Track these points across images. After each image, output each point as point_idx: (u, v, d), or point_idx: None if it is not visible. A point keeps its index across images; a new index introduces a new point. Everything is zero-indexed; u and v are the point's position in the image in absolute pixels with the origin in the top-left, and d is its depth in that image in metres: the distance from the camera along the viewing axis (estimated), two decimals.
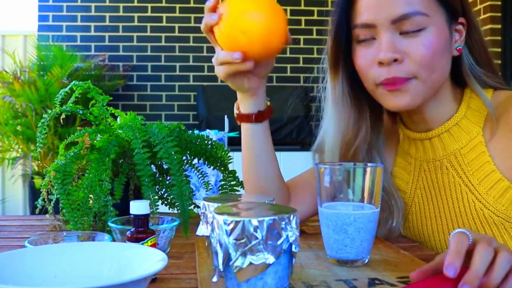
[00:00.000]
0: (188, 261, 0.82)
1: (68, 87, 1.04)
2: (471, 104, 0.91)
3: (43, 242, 0.75)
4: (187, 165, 1.08)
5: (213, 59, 0.87)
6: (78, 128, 1.04)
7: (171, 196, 1.02)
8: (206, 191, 1.12)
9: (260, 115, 0.94)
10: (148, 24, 3.96)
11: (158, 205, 0.95)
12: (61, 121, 1.01)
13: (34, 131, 3.27)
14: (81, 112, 1.06)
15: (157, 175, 1.06)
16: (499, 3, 3.62)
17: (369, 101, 0.95)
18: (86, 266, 0.62)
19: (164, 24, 3.96)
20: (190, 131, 1.09)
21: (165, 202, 1.06)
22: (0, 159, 3.56)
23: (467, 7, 0.90)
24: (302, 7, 4.05)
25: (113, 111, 1.08)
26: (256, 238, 0.52)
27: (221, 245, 0.54)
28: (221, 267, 0.54)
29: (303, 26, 4.02)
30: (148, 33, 3.96)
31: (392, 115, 1.03)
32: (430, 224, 0.97)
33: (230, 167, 1.12)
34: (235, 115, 0.96)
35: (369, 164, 0.77)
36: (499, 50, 3.49)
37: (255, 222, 0.52)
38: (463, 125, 0.91)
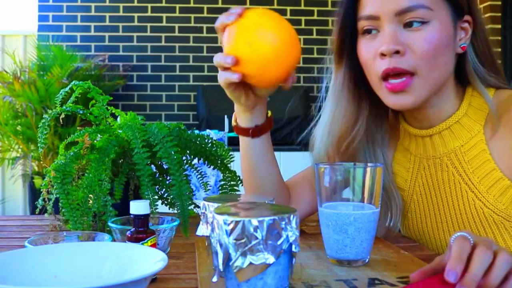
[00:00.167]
0: (188, 261, 0.82)
1: (68, 87, 1.04)
2: (472, 102, 0.91)
3: (43, 242, 0.75)
4: (187, 165, 1.08)
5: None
6: (78, 128, 1.04)
7: (171, 196, 1.02)
8: (205, 191, 1.12)
9: (257, 130, 0.93)
10: (148, 24, 3.96)
11: (157, 205, 0.95)
12: (61, 120, 1.01)
13: (34, 131, 3.27)
14: (81, 112, 1.06)
15: (157, 175, 1.06)
16: (499, 3, 3.62)
17: (371, 97, 0.95)
18: (86, 266, 0.62)
19: (164, 24, 3.96)
20: (190, 131, 1.09)
21: (165, 202, 1.06)
22: (0, 159, 3.56)
23: (473, 6, 0.90)
24: (302, 7, 4.05)
25: (113, 111, 1.08)
26: (256, 238, 0.52)
27: (221, 245, 0.54)
28: (221, 267, 0.54)
29: (303, 26, 4.02)
30: (148, 33, 3.96)
31: (393, 110, 1.02)
32: (429, 222, 0.97)
33: (231, 166, 1.11)
34: (232, 125, 0.95)
35: (369, 164, 0.77)
36: (499, 50, 3.50)
37: (255, 222, 0.52)
38: (464, 123, 0.91)
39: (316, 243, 0.87)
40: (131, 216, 0.72)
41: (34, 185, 3.37)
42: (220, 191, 1.09)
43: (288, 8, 3.99)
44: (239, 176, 1.09)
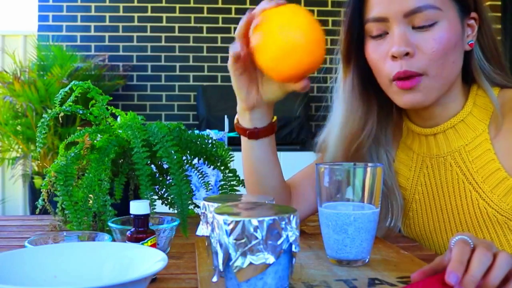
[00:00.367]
0: (188, 261, 0.82)
1: (68, 87, 1.04)
2: (477, 101, 0.91)
3: (43, 242, 0.75)
4: (187, 165, 1.08)
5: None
6: (78, 128, 1.04)
7: (171, 196, 1.02)
8: (206, 191, 1.12)
9: (255, 132, 0.91)
10: (148, 24, 3.96)
11: (155, 205, 0.94)
12: (60, 120, 1.01)
13: (34, 131, 3.27)
14: (81, 112, 1.06)
15: (157, 175, 1.06)
16: (499, 3, 3.62)
17: (379, 98, 0.94)
18: (86, 266, 0.62)
19: (164, 24, 3.96)
20: (190, 131, 1.09)
21: (165, 202, 1.06)
22: (0, 159, 3.56)
23: (479, 2, 0.90)
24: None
25: (113, 111, 1.08)
26: (256, 238, 0.52)
27: (221, 245, 0.54)
28: (221, 267, 0.54)
29: None
30: (148, 33, 3.96)
31: (398, 109, 1.01)
32: (431, 221, 0.97)
33: (231, 166, 1.11)
34: (234, 122, 0.94)
35: (369, 164, 0.77)
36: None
37: (255, 222, 0.52)
38: (468, 122, 0.91)
39: (316, 243, 0.87)
40: (131, 216, 0.72)
41: (34, 185, 3.37)
42: (220, 191, 1.09)
43: None
44: (239, 176, 1.09)
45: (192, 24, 3.96)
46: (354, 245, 0.73)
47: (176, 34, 3.97)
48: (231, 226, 0.53)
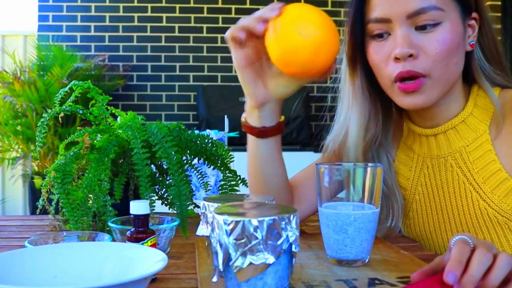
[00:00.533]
0: (188, 261, 0.82)
1: (68, 87, 1.04)
2: (478, 101, 0.91)
3: (43, 242, 0.75)
4: (187, 165, 1.08)
5: (227, 32, 0.83)
6: (78, 128, 1.04)
7: (171, 196, 1.02)
8: (206, 191, 1.12)
9: (263, 131, 0.90)
10: (148, 24, 3.95)
11: (154, 206, 0.94)
12: (60, 120, 1.01)
13: (34, 131, 3.27)
14: (81, 112, 1.06)
15: (157, 175, 1.06)
16: (499, 3, 3.62)
17: (381, 99, 0.94)
18: (86, 266, 0.62)
19: (164, 24, 3.96)
20: (190, 131, 1.09)
21: (165, 202, 1.06)
22: (0, 159, 3.56)
23: (480, 2, 0.90)
24: None
25: (113, 111, 1.08)
26: (256, 238, 0.52)
27: (221, 245, 0.54)
28: (221, 267, 0.54)
29: None
30: (148, 33, 3.95)
31: (398, 109, 1.01)
32: (432, 222, 0.97)
33: (231, 166, 1.11)
34: (241, 121, 0.93)
35: (369, 164, 0.77)
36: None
37: (255, 222, 0.52)
38: (469, 123, 0.91)
39: (316, 243, 0.87)
40: (131, 216, 0.72)
41: (34, 185, 3.37)
42: (220, 191, 1.09)
43: None
44: (239, 176, 1.09)
45: (192, 24, 3.96)
46: (354, 245, 0.73)
47: (176, 34, 3.97)
48: (231, 226, 0.53)
